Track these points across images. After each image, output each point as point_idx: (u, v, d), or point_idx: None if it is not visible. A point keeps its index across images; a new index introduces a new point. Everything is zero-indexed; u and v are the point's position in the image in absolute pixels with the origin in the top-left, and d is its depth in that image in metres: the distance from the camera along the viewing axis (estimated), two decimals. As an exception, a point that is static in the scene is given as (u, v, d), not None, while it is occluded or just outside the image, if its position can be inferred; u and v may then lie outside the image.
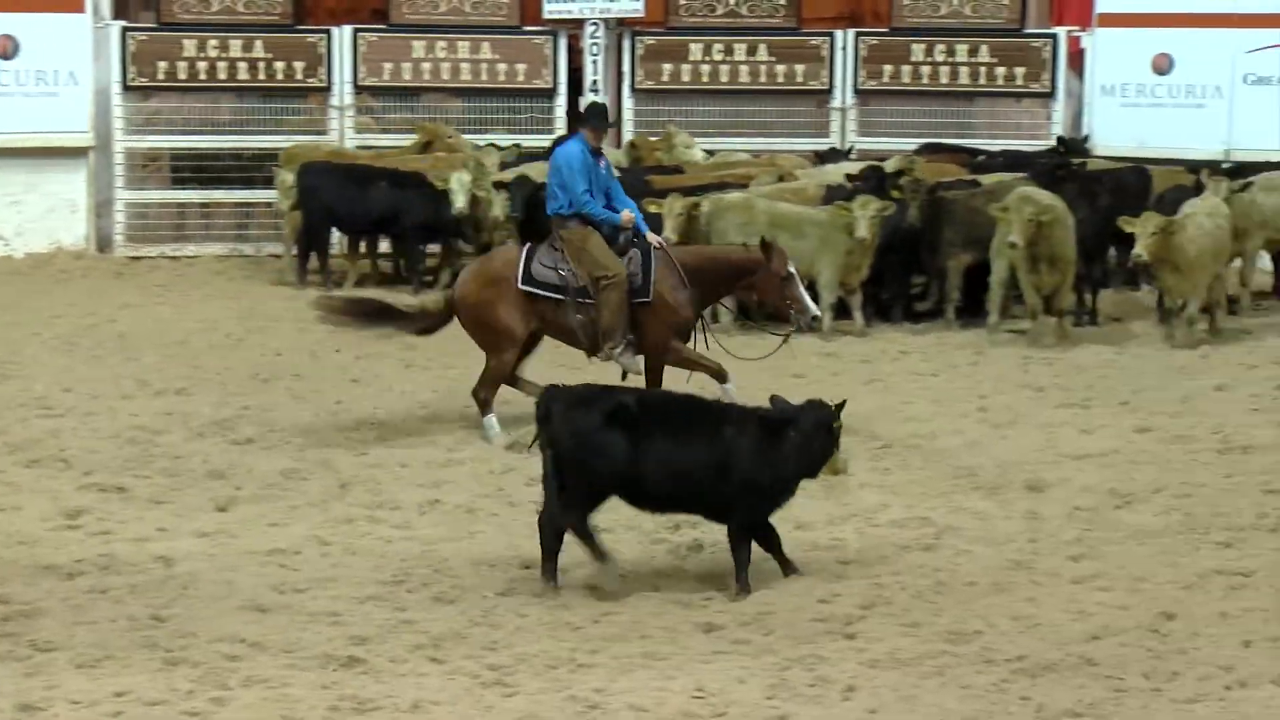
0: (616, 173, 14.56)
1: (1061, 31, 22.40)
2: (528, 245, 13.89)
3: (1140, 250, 16.34)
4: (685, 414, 10.05)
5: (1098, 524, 11.30)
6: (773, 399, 10.29)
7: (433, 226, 19.89)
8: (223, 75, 22.20)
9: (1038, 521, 11.36)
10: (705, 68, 22.58)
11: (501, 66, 22.48)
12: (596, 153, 13.57)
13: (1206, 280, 16.99)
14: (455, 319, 13.80)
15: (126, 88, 22.02)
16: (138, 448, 12.91)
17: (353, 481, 12.17)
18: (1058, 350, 16.74)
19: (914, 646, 9.08)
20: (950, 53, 22.40)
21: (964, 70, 22.42)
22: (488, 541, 10.88)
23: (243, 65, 22.22)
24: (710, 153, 21.37)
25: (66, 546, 10.59)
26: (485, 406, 13.47)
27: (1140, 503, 11.74)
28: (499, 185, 18.86)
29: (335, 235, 20.54)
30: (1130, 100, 22.07)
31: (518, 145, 21.23)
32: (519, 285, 13.51)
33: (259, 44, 22.24)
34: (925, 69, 22.42)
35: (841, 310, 17.67)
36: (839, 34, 22.67)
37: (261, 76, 22.23)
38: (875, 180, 18.05)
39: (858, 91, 22.37)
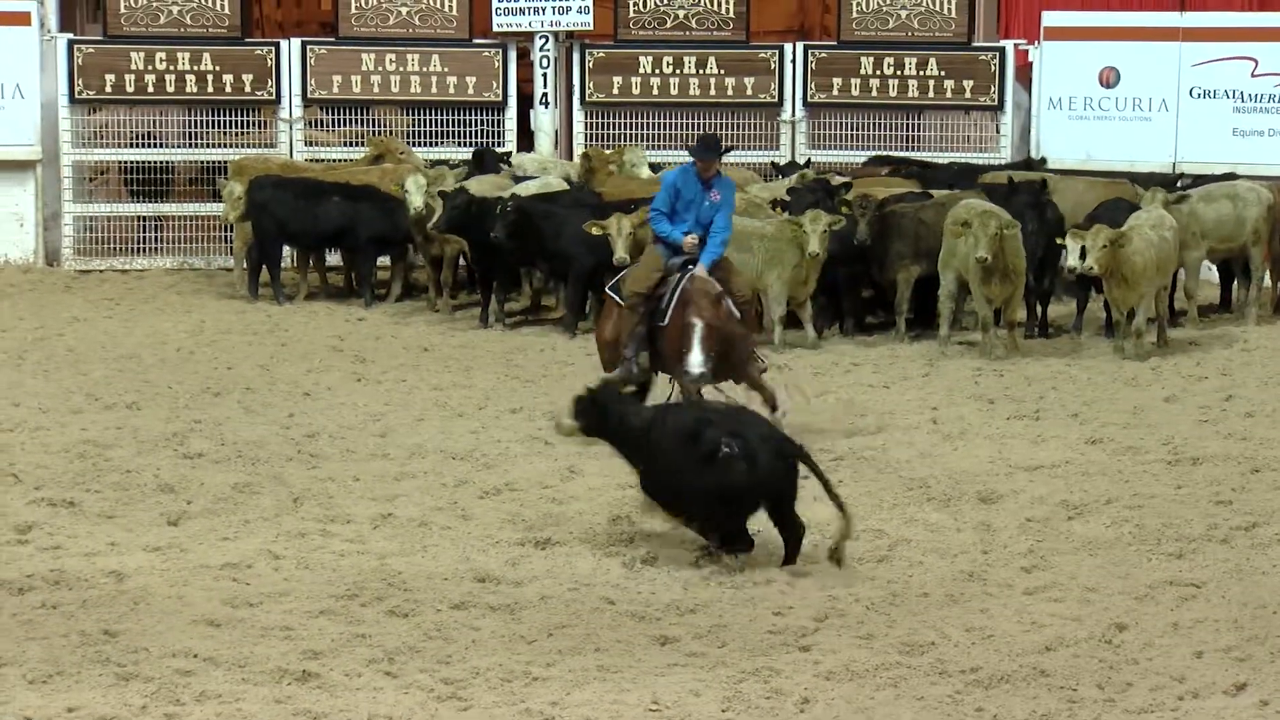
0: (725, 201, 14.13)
1: (1009, 45, 22.53)
2: None
3: (1091, 262, 16.43)
4: None
5: (1049, 535, 11.36)
6: None
7: (386, 239, 19.87)
8: (171, 88, 22.11)
9: (990, 533, 11.41)
10: (655, 81, 22.61)
11: (451, 79, 22.46)
12: (707, 183, 13.67)
13: (1153, 292, 17.13)
14: None
15: (74, 100, 21.91)
16: (88, 462, 12.83)
17: (305, 495, 12.12)
18: (1008, 362, 16.83)
19: (868, 658, 9.11)
20: (899, 66, 22.49)
21: (913, 83, 22.51)
22: (441, 555, 10.86)
23: (191, 78, 22.13)
24: (658, 167, 21.37)
25: (16, 561, 10.51)
26: None
27: (1091, 514, 11.80)
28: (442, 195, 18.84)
29: (285, 249, 20.47)
30: (1078, 113, 22.21)
31: (466, 163, 21.25)
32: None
33: (207, 57, 22.17)
34: (874, 82, 22.50)
35: (794, 322, 17.73)
36: (788, 47, 22.74)
37: (210, 89, 22.15)
38: (819, 194, 18.09)
39: (807, 104, 22.44)
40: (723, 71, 22.60)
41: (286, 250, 20.53)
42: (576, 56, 22.49)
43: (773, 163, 21.93)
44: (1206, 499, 12.13)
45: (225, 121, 22.28)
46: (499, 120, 22.50)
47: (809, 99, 22.47)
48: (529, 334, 18.52)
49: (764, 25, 24.75)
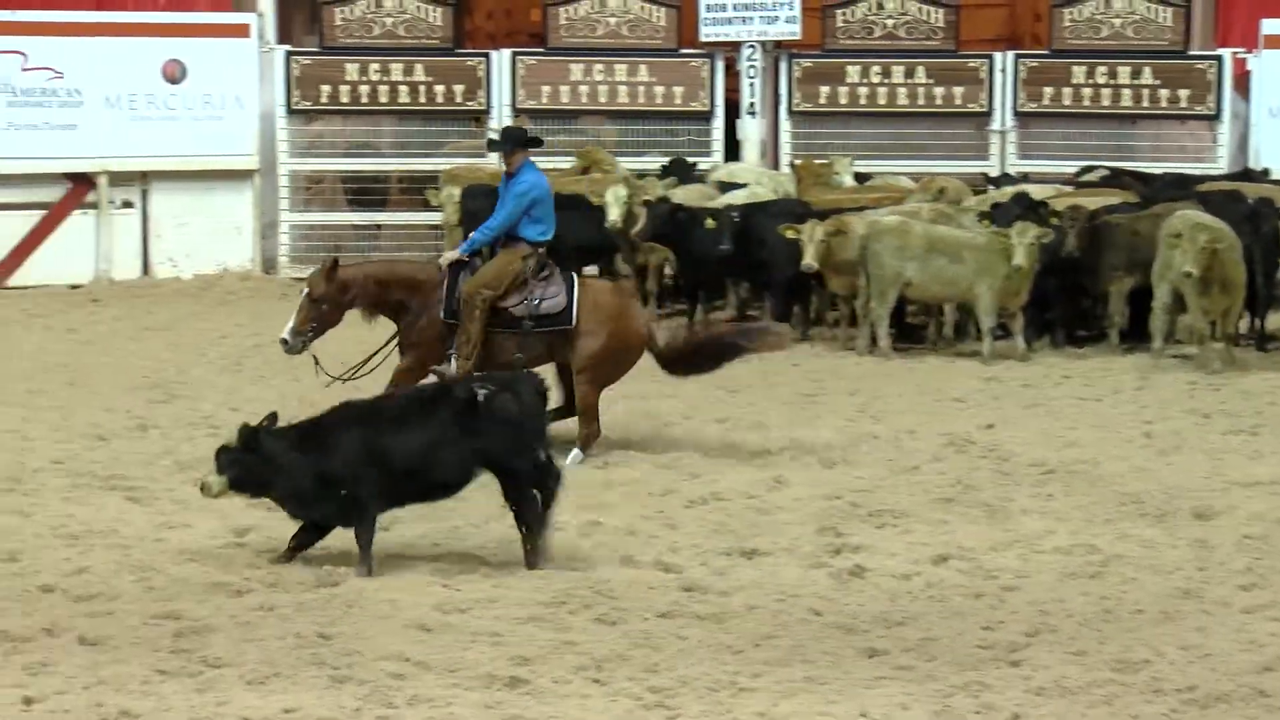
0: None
1: (1226, 53, 22.09)
2: None
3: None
4: None
5: (1268, 552, 11.10)
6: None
7: (593, 248, 19.98)
8: (384, 99, 22.45)
9: (1206, 549, 11.18)
10: (863, 90, 22.51)
11: (659, 89, 22.54)
12: (509, 176, 13.95)
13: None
14: None
15: (291, 111, 22.33)
16: (303, 467, 13.03)
17: (513, 502, 12.20)
18: (1225, 376, 16.50)
19: (1080, 675, 8.97)
20: (1112, 75, 22.18)
21: (1126, 92, 22.19)
22: (648, 563, 10.88)
23: (403, 88, 22.46)
24: (865, 176, 21.28)
25: (235, 564, 10.73)
26: None
27: (1312, 531, 11.53)
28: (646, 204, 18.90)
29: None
30: (1297, 122, 21.73)
31: (678, 160, 21.30)
32: None
33: (419, 67, 22.47)
34: (1086, 91, 22.20)
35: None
36: (998, 56, 22.53)
37: (422, 100, 22.45)
38: (1024, 207, 17.91)
39: (1017, 114, 22.20)
40: (931, 81, 22.45)
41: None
42: (784, 66, 22.46)
43: (984, 174, 21.70)
44: None
45: (436, 131, 22.55)
46: (705, 130, 22.53)
47: (1019, 108, 22.22)
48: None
49: (974, 34, 24.53)
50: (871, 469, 13.15)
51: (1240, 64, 22.03)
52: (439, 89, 22.46)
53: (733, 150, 22.68)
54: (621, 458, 13.48)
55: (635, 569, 10.77)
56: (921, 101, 22.50)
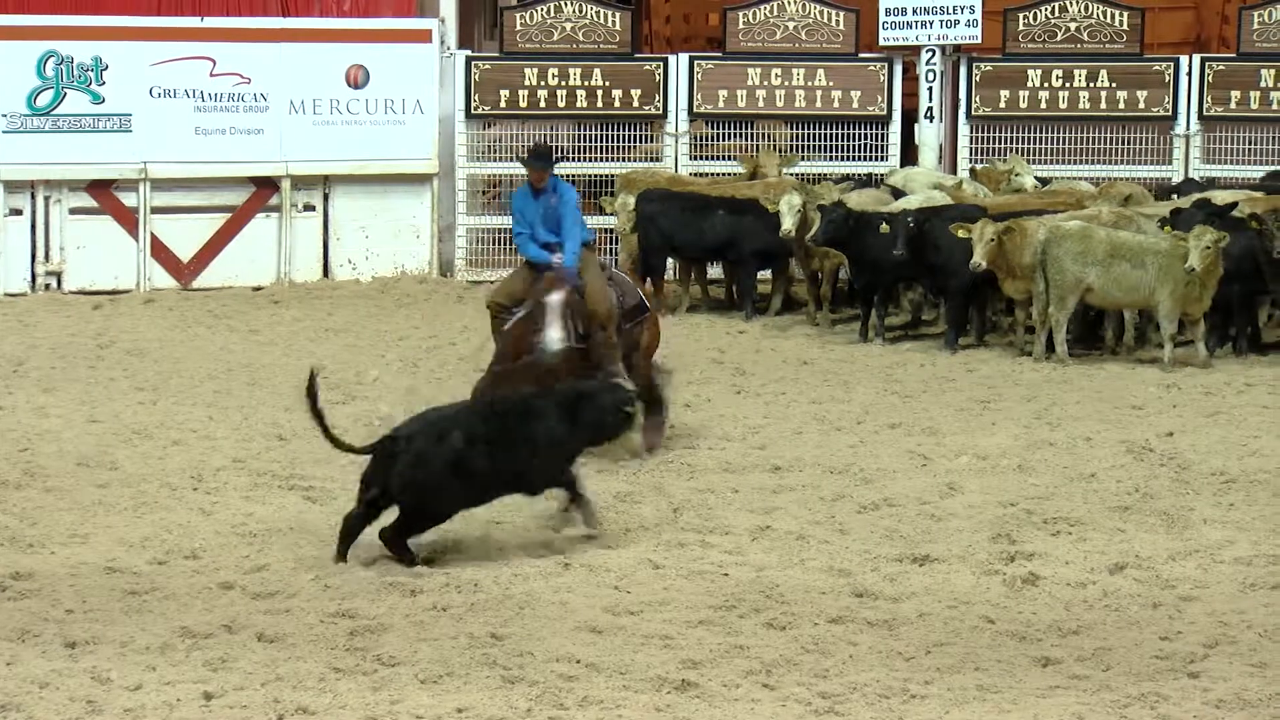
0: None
1: None
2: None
3: None
4: None
5: None
6: None
7: (768, 253, 19.98)
8: (562, 103, 22.59)
9: (1393, 562, 10.94)
10: (1044, 94, 22.26)
11: (836, 94, 22.47)
12: (539, 192, 13.97)
13: None
14: None
15: (470, 115, 22.54)
16: (478, 468, 13.15)
17: (684, 505, 12.24)
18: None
19: (1262, 687, 8.81)
20: (1302, 78, 21.75)
21: (1316, 96, 21.75)
22: (818, 568, 10.85)
23: (581, 93, 22.58)
24: (1044, 181, 21.05)
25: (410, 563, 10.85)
26: None
27: None
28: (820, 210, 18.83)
29: (670, 261, 20.77)
30: None
31: (849, 177, 21.23)
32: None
33: (598, 72, 22.58)
34: (1275, 95, 21.78)
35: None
36: (1184, 59, 22.18)
37: (600, 104, 22.56)
38: (1206, 212, 17.61)
39: (1203, 118, 21.84)
40: (1114, 84, 22.15)
41: (670, 262, 20.82)
42: (963, 70, 22.28)
43: (1166, 179, 21.35)
44: None
45: (614, 135, 22.65)
46: (883, 134, 22.43)
47: (1204, 112, 21.86)
48: (909, 349, 18.40)
49: (1158, 37, 24.18)
50: (1047, 476, 13.00)
51: None
52: (616, 93, 22.54)
53: (910, 156, 22.54)
54: (794, 462, 13.43)
55: (806, 574, 10.74)
56: (1104, 106, 22.21)
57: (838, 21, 22.53)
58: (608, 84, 22.53)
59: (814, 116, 22.51)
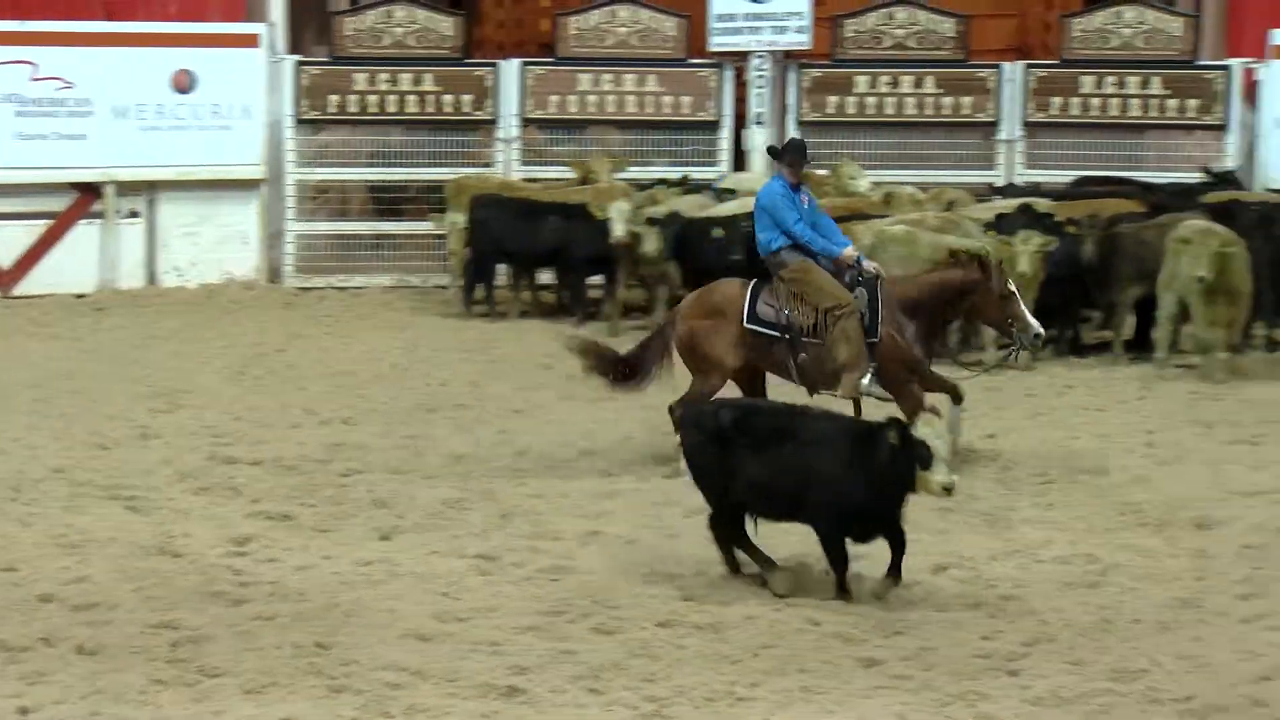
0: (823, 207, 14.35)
1: (1236, 64, 22.05)
2: (754, 281, 13.76)
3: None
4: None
5: (1267, 562, 11.09)
6: None
7: (601, 258, 19.97)
8: (392, 108, 22.47)
9: (1205, 559, 11.18)
10: (871, 100, 22.49)
11: (667, 99, 22.55)
12: (796, 188, 13.45)
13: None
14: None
15: (299, 121, 22.35)
16: (304, 476, 13.08)
17: (514, 512, 12.24)
18: (1227, 386, 16.47)
19: (1078, 685, 8.97)
20: (1121, 85, 22.14)
21: (1134, 102, 22.15)
22: (647, 574, 10.88)
23: (412, 98, 22.47)
24: (875, 185, 21.26)
25: (233, 573, 10.73)
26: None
27: (1312, 541, 11.51)
28: (652, 221, 18.88)
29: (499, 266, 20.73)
30: (1305, 132, 21.70)
31: (686, 177, 21.30)
32: (744, 324, 13.42)
33: (428, 77, 22.49)
34: (1095, 101, 22.18)
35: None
36: (1007, 66, 22.51)
37: (431, 109, 22.47)
38: (1030, 217, 17.90)
39: (1025, 124, 22.17)
40: (940, 91, 22.42)
41: (501, 267, 20.78)
42: (792, 76, 22.45)
43: (989, 185, 21.67)
44: None
45: (446, 141, 22.55)
46: (714, 140, 22.54)
47: (1027, 118, 22.20)
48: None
49: (984, 45, 24.50)
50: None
51: (1249, 74, 21.99)
52: (448, 98, 22.46)
53: (740, 161, 22.68)
54: (623, 466, 13.46)
55: (635, 578, 10.77)
56: (930, 111, 22.47)
57: (669, 27, 22.61)
58: (439, 89, 22.44)
59: (645, 122, 22.56)
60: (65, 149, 21.51)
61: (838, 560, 10.25)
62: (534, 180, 22.10)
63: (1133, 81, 22.13)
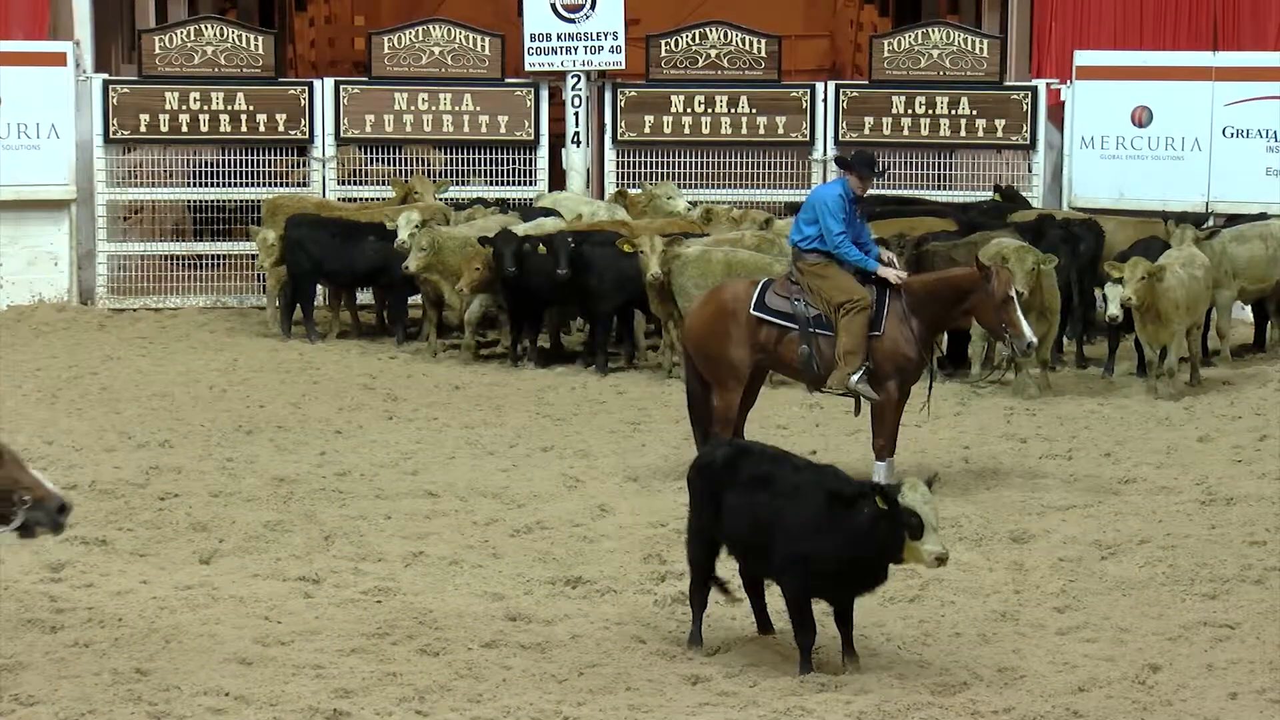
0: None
1: (1041, 84, 22.50)
2: (764, 279, 13.85)
3: (1129, 293, 16.43)
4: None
5: (1082, 575, 11.31)
6: None
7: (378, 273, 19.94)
8: (205, 128, 22.21)
9: (1022, 573, 11.37)
10: (687, 120, 22.64)
11: (484, 118, 22.52)
12: (856, 200, 13.51)
13: (1184, 330, 17.09)
14: None
15: (109, 140, 22.02)
16: (120, 500, 12.87)
17: (336, 533, 12.15)
18: (1041, 401, 16.78)
19: (901, 698, 9.08)
20: (931, 105, 22.49)
21: (944, 122, 22.51)
22: (472, 594, 10.85)
23: (225, 118, 22.23)
24: (693, 204, 21.40)
25: (48, 600, 10.53)
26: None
27: (1125, 554, 11.75)
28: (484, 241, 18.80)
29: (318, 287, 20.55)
30: (1110, 152, 22.17)
31: (502, 201, 21.35)
32: (751, 310, 13.43)
33: (241, 96, 22.26)
34: (906, 121, 22.52)
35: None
36: (819, 86, 22.77)
37: (244, 129, 22.24)
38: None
39: (839, 143, 22.43)
40: (754, 110, 22.62)
41: (319, 288, 20.61)
42: (608, 95, 22.53)
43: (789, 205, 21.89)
44: (1240, 539, 12.07)
45: (260, 160, 22.34)
46: (530, 159, 22.56)
47: (840, 138, 22.46)
48: (560, 372, 18.50)
49: (796, 65, 24.75)
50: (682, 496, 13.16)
51: (1055, 95, 22.44)
52: (261, 117, 22.25)
53: (558, 180, 22.72)
54: (446, 487, 13.42)
55: (459, 599, 10.74)
56: (745, 131, 22.66)
57: (483, 47, 22.59)
58: (252, 108, 22.23)
59: (462, 141, 22.51)
60: None
61: (802, 626, 9.52)
62: (351, 200, 21.98)
63: (941, 101, 22.47)
